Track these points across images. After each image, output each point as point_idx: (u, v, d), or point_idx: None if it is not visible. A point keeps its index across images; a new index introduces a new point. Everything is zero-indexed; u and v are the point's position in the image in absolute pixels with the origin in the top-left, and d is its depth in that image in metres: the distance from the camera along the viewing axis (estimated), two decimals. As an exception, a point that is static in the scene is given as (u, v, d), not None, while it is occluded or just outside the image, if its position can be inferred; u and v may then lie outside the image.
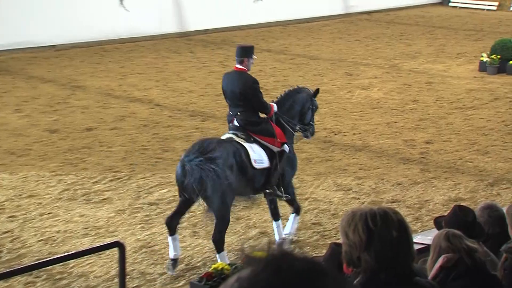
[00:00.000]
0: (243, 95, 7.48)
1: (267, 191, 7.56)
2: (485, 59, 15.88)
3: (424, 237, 4.88)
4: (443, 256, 3.29)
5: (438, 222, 4.17)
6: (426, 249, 3.83)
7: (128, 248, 6.92)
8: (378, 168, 10.16)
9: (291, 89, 8.13)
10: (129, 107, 13.45)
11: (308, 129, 8.10)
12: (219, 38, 21.33)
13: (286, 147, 7.65)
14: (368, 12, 25.49)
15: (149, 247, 7.67)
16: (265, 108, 7.64)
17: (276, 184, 7.57)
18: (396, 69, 16.73)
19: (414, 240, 5.24)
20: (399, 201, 8.91)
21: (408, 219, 8.34)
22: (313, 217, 8.50)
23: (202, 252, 7.58)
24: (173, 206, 8.62)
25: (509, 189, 9.17)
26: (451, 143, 11.17)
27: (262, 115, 7.67)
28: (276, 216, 7.78)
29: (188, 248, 7.63)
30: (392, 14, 25.29)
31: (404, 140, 11.39)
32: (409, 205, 8.77)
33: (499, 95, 13.92)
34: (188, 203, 7.21)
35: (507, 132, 11.54)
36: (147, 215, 8.49)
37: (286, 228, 7.81)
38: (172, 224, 7.17)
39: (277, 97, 8.00)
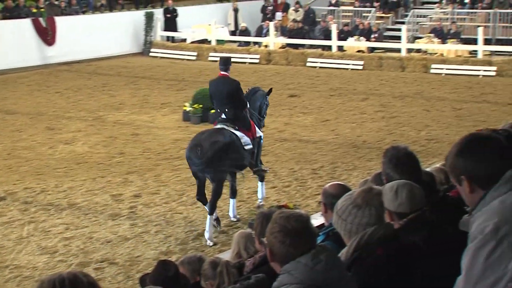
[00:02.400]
0: (230, 94, 9.90)
1: (255, 169, 10.38)
2: (188, 108, 16.66)
3: (133, 296, 4.92)
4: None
5: (143, 280, 4.24)
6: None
7: None
8: (86, 227, 10.03)
9: (249, 88, 10.76)
10: None
11: (262, 120, 10.83)
12: None
13: (260, 133, 10.36)
14: (68, 63, 25.31)
15: None
16: (244, 104, 10.11)
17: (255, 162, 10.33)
18: (100, 122, 16.79)
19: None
20: (109, 260, 8.86)
21: (119, 278, 8.33)
22: (15, 286, 8.08)
23: None
24: None
25: (217, 237, 9.66)
26: (159, 195, 11.46)
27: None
28: (234, 194, 10.27)
29: None
30: (94, 65, 25.44)
31: (112, 195, 11.43)
32: (120, 263, 8.77)
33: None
34: (203, 180, 9.67)
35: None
36: None
37: (259, 194, 10.74)
38: (202, 199, 9.75)
39: None
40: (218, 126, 9.87)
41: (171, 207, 10.90)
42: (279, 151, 14.03)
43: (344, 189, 4.18)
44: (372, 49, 26.34)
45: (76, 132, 15.59)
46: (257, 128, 10.29)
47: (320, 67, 25.05)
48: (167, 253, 9.06)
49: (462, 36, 25.66)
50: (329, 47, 26.27)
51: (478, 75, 22.52)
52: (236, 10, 30.52)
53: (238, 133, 9.82)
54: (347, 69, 24.63)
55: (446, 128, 15.52)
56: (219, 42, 28.33)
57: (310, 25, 28.59)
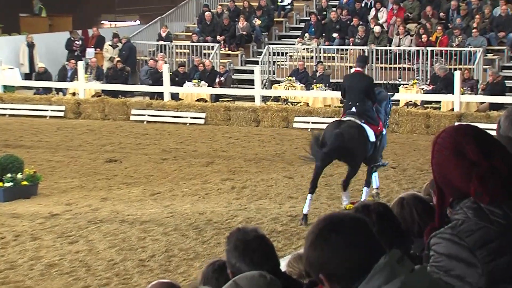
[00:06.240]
0: (364, 89, 14.37)
1: (374, 164, 14.92)
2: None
3: None
4: None
5: None
6: None
7: None
8: None
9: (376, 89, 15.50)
10: None
11: (387, 119, 15.40)
12: None
13: (384, 131, 14.91)
14: None
15: None
16: (374, 100, 14.58)
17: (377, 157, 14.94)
18: None
19: None
20: None
21: None
22: None
23: None
24: None
25: None
26: None
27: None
28: (368, 184, 15.08)
29: None
30: None
31: None
32: None
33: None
34: (322, 169, 14.54)
35: None
36: None
37: (374, 184, 15.52)
38: (314, 185, 14.38)
39: None
40: (347, 118, 14.32)
41: None
42: (94, 237, 13.83)
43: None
44: (217, 97, 26.79)
45: None
46: (382, 124, 14.80)
47: (148, 121, 25.14)
48: None
49: (331, 80, 26.71)
50: (160, 95, 26.43)
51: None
52: (31, 46, 30.18)
53: (365, 126, 14.21)
54: (184, 123, 24.87)
55: (314, 200, 15.89)
56: (8, 89, 27.80)
57: (133, 66, 28.80)
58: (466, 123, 3.70)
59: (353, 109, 14.39)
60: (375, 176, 15.43)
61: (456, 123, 21.75)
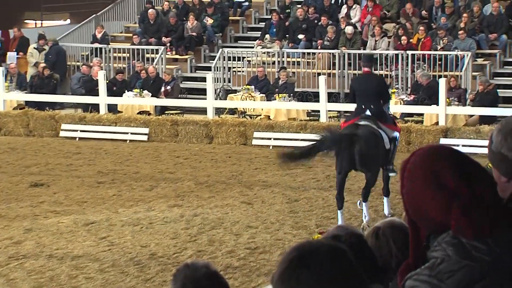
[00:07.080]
0: (378, 91, 15.56)
1: (388, 167, 15.77)
2: None
3: None
4: None
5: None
6: None
7: None
8: None
9: None
10: None
11: None
12: None
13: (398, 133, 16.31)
14: None
15: None
16: (389, 99, 16.64)
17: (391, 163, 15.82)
18: None
19: None
20: None
21: None
22: None
23: None
24: None
25: None
26: None
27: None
28: (387, 193, 16.27)
29: None
30: None
31: None
32: None
33: None
34: (345, 177, 15.53)
35: None
36: None
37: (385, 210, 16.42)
38: (340, 198, 15.33)
39: None
40: (362, 122, 15.22)
41: None
42: (16, 275, 13.72)
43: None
44: (162, 110, 26.74)
45: None
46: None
47: (81, 138, 25.08)
48: None
49: (296, 89, 26.78)
50: (95, 107, 26.33)
51: (322, 148, 23.51)
52: None
53: (380, 131, 15.30)
54: (124, 140, 24.86)
55: (277, 230, 15.92)
56: None
57: (62, 73, 28.66)
58: (439, 144, 3.66)
59: (367, 112, 15.42)
60: (365, 206, 15.79)
61: (442, 140, 21.91)
